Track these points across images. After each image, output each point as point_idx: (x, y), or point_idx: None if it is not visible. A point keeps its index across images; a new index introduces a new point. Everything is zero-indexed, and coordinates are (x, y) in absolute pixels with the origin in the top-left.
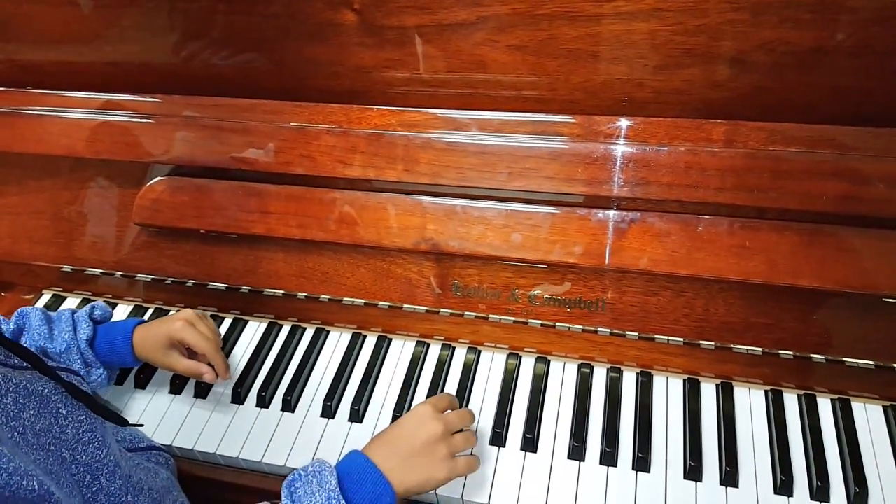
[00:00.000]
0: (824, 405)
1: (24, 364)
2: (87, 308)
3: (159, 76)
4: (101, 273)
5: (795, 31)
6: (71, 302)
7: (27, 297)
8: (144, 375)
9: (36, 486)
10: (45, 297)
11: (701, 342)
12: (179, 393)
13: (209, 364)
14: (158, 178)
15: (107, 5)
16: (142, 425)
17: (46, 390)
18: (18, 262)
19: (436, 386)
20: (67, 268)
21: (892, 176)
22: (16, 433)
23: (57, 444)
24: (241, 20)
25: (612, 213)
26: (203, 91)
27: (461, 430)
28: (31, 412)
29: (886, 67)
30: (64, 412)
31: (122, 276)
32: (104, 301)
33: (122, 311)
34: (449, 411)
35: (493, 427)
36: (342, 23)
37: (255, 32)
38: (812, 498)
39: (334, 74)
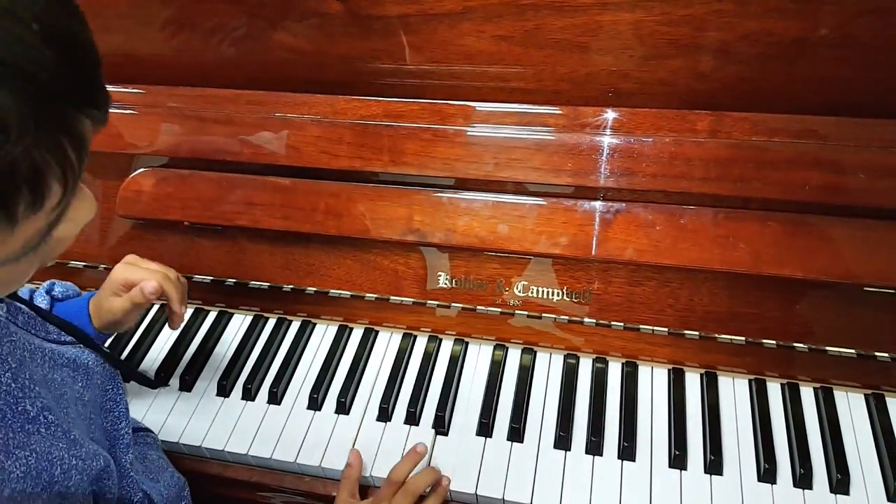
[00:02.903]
0: (807, 394)
1: (64, 338)
2: (45, 284)
3: (143, 66)
4: (84, 266)
5: (779, 21)
6: None
7: None
8: (132, 363)
9: (103, 463)
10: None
11: (685, 332)
12: (165, 385)
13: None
14: (142, 170)
15: None
16: (167, 384)
17: (91, 363)
18: None
19: (423, 377)
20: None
21: (873, 166)
22: (70, 404)
23: (106, 413)
24: (225, 9)
25: (597, 203)
26: (187, 81)
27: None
28: (80, 384)
29: (869, 58)
30: (99, 382)
31: (105, 269)
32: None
33: None
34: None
35: (480, 418)
36: (327, 12)
37: (240, 22)
38: (795, 485)
39: (319, 65)
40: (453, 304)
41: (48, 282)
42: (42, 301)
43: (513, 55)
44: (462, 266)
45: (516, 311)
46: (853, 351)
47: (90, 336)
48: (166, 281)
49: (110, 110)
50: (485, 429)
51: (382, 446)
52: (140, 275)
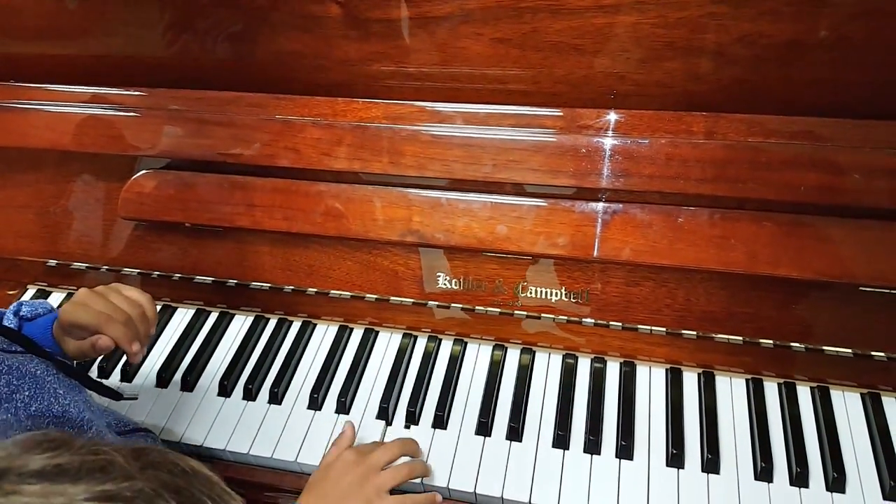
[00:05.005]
0: (804, 393)
1: (14, 347)
2: (13, 305)
3: (144, 69)
4: (86, 267)
5: (774, 23)
6: (56, 297)
7: (11, 292)
8: (130, 369)
9: None
10: (30, 291)
11: (683, 332)
12: (166, 386)
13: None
14: (144, 172)
15: None
16: (135, 398)
17: (39, 371)
18: (2, 256)
19: (422, 377)
20: (53, 262)
21: (868, 166)
22: (9, 414)
23: (58, 424)
24: (226, 13)
25: (595, 204)
26: (188, 84)
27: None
28: (26, 393)
29: (863, 59)
30: (62, 392)
31: (107, 270)
32: None
33: None
34: (376, 450)
35: (479, 417)
36: (327, 15)
37: (240, 25)
38: (791, 484)
39: (319, 67)
40: (453, 305)
41: (15, 303)
42: (10, 325)
43: (510, 57)
44: (461, 266)
45: (515, 312)
46: (850, 350)
47: (41, 345)
48: (111, 326)
49: (111, 112)
50: (484, 428)
51: None
52: (86, 319)
